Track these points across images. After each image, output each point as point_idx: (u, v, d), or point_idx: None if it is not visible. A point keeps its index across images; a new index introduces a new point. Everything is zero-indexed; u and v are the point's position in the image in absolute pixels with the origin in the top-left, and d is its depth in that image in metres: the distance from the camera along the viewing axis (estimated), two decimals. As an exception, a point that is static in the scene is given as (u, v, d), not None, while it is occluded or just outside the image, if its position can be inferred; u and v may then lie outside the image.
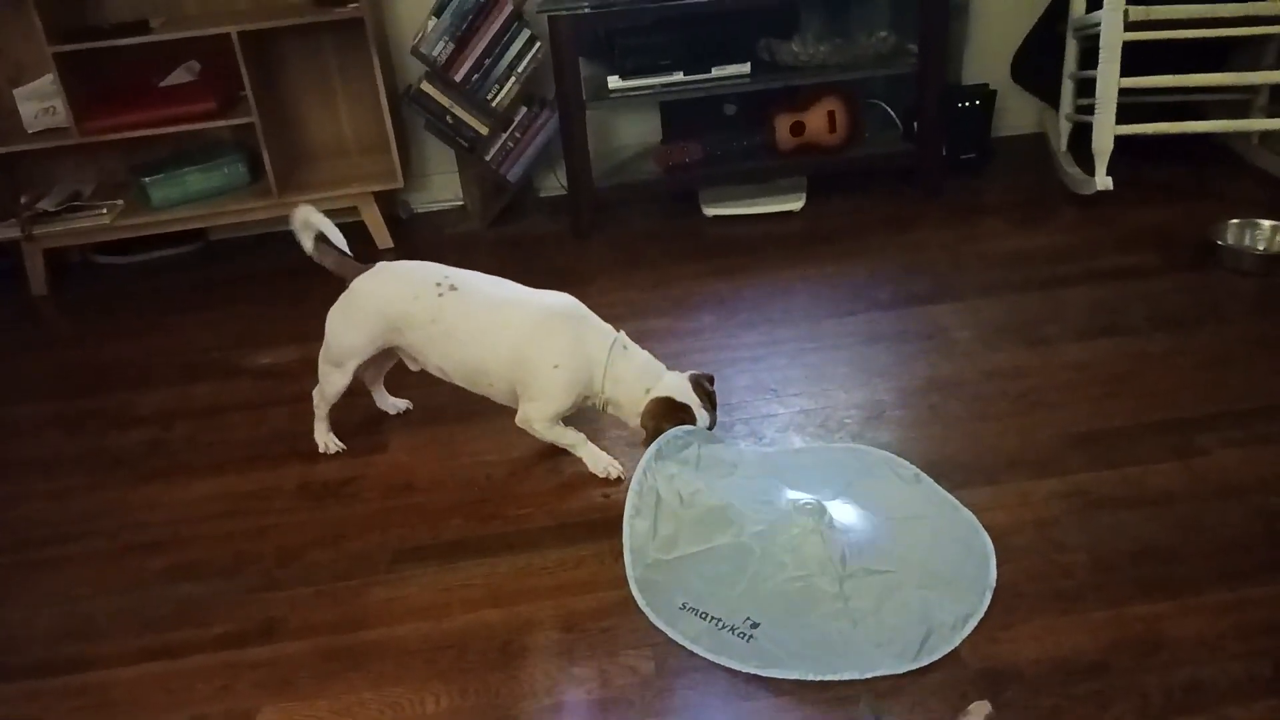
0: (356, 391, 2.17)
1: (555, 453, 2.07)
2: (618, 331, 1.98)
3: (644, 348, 2.00)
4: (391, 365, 2.20)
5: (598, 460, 2.00)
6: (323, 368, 2.08)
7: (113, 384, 2.57)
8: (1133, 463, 1.88)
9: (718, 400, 2.03)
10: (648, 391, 1.93)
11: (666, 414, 1.91)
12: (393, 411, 2.27)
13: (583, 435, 2.01)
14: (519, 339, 1.92)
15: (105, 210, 3.10)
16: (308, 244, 2.06)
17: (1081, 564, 1.66)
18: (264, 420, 2.32)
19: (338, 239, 2.08)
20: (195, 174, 3.13)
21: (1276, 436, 1.91)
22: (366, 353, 2.04)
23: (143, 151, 3.15)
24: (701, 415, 1.95)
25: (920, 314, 2.48)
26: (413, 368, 2.12)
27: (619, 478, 1.97)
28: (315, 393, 2.13)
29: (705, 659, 1.55)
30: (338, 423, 2.18)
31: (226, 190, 3.17)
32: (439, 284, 1.96)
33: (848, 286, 2.65)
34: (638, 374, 1.95)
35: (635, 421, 1.95)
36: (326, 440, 2.16)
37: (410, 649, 1.63)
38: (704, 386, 1.99)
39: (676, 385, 1.95)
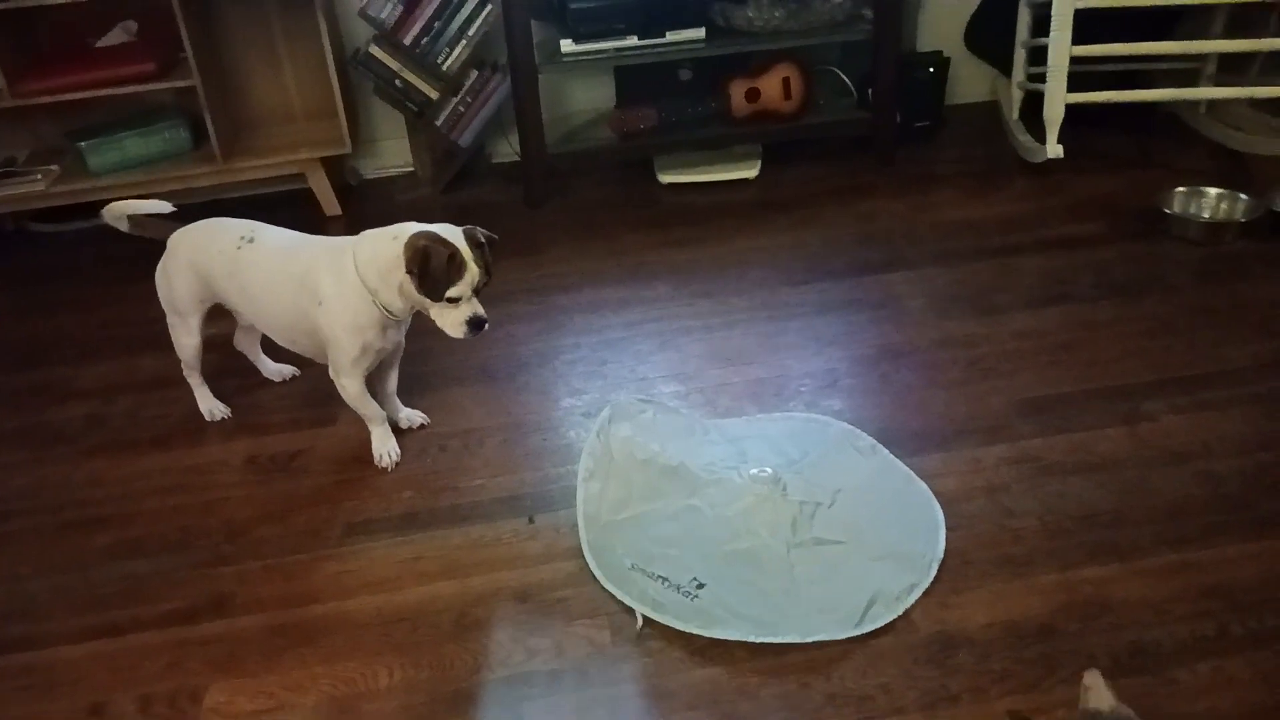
0: (305, 363, 2.13)
1: (508, 424, 2.05)
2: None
3: (598, 317, 1.98)
4: (261, 333, 2.14)
5: (382, 443, 1.97)
6: (171, 330, 2.08)
7: (51, 357, 2.50)
8: (1081, 429, 1.91)
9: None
10: (394, 239, 1.73)
11: (429, 243, 1.68)
12: (277, 378, 2.26)
13: (383, 414, 1.97)
14: (295, 288, 1.85)
15: (40, 176, 3.00)
16: (124, 226, 2.06)
17: (1031, 529, 1.69)
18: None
19: (150, 206, 2.07)
20: (134, 139, 3.03)
21: (1219, 403, 1.95)
22: (193, 306, 2.01)
23: (79, 115, 3.04)
24: (468, 257, 1.70)
25: (873, 282, 2.49)
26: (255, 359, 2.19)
27: (387, 469, 1.96)
28: (183, 365, 2.13)
29: (658, 626, 1.55)
30: (287, 395, 2.13)
31: (168, 156, 3.07)
32: (242, 237, 1.93)
33: (801, 255, 2.65)
34: (376, 234, 1.77)
35: (405, 291, 1.73)
36: (210, 407, 2.16)
37: (362, 623, 1.62)
38: (475, 238, 1.74)
39: (439, 227, 1.72)
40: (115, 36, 3.03)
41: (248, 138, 3.17)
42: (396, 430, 2.04)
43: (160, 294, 2.05)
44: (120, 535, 1.86)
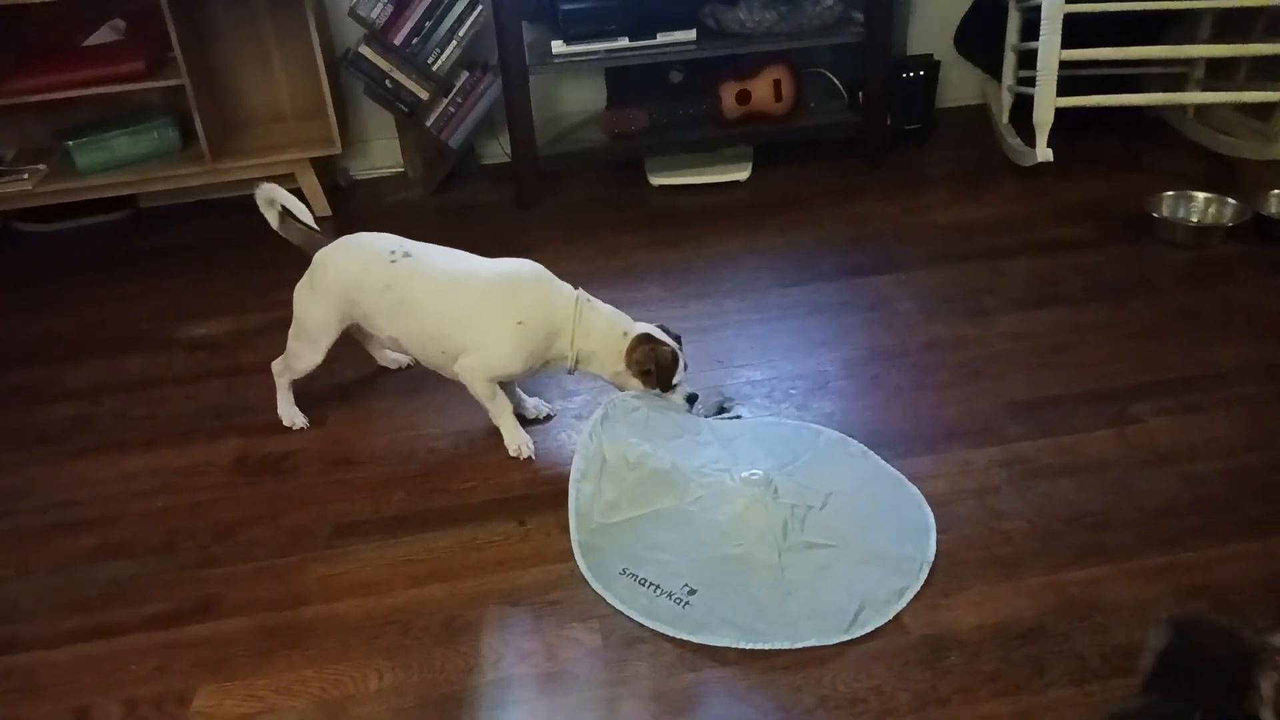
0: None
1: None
2: (578, 289, 1.96)
3: (590, 318, 1.98)
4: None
5: (514, 436, 1.97)
6: (293, 345, 2.03)
7: (37, 357, 2.48)
8: (1070, 431, 1.91)
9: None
10: (625, 334, 1.92)
11: (652, 347, 1.91)
12: (393, 366, 2.26)
13: (510, 406, 1.98)
14: (479, 298, 1.90)
15: (27, 175, 2.98)
16: (273, 220, 2.04)
17: (1020, 531, 1.69)
18: (198, 394, 2.25)
19: (303, 214, 2.06)
20: (123, 138, 3.01)
21: (1206, 405, 1.96)
22: (334, 329, 2.00)
23: (67, 114, 3.03)
24: (679, 353, 1.95)
25: (863, 285, 2.49)
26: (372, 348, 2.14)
27: (529, 457, 1.95)
28: (278, 363, 2.08)
29: (649, 629, 1.55)
30: (268, 395, 2.11)
31: (156, 156, 3.06)
32: (393, 251, 1.94)
33: (793, 257, 2.65)
34: (609, 322, 1.94)
35: (614, 368, 1.94)
36: (292, 415, 2.10)
37: (352, 625, 1.61)
38: (670, 331, 1.98)
39: (651, 328, 1.94)
40: (103, 35, 3.02)
41: (237, 138, 3.16)
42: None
43: (298, 309, 2.00)
44: (106, 537, 1.85)
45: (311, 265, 1.99)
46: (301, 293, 2.00)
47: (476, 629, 1.58)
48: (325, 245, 1.99)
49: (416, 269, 1.93)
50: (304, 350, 2.02)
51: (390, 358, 2.26)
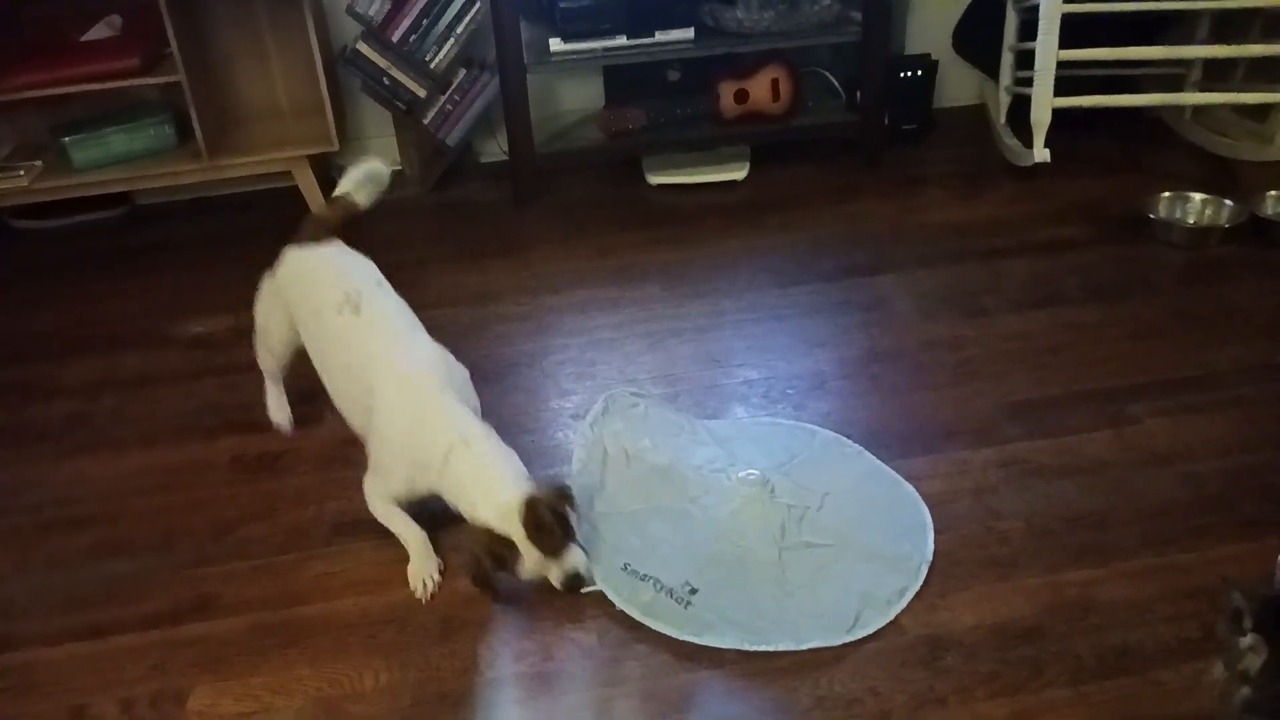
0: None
1: (496, 425, 2.03)
2: (475, 420, 1.68)
3: (586, 318, 1.96)
4: None
5: (418, 566, 1.67)
6: (257, 343, 2.00)
7: (34, 354, 2.47)
8: (1067, 431, 1.92)
9: (574, 507, 1.64)
10: (474, 506, 1.58)
11: (482, 548, 1.55)
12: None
13: (422, 536, 1.69)
14: (374, 394, 1.69)
15: (23, 172, 2.97)
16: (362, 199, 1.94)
17: (1017, 531, 1.69)
18: (195, 392, 2.25)
19: (365, 188, 1.93)
20: (119, 135, 3.00)
21: (1203, 405, 1.96)
22: (280, 339, 1.90)
23: (62, 110, 3.02)
24: (529, 551, 1.53)
25: (861, 285, 2.49)
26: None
27: (430, 596, 1.64)
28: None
29: (645, 628, 1.55)
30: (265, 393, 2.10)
31: (153, 152, 3.04)
32: (348, 294, 1.76)
33: (790, 257, 2.65)
34: (474, 481, 1.59)
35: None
36: (279, 415, 2.06)
37: (349, 624, 1.61)
38: (538, 514, 1.53)
39: (501, 509, 1.55)
40: (100, 31, 3.00)
41: (234, 135, 3.15)
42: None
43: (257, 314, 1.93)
44: (103, 535, 1.84)
45: (279, 260, 1.89)
46: (260, 290, 1.92)
47: (473, 628, 1.58)
48: (298, 241, 1.87)
49: (352, 332, 1.75)
50: (261, 353, 1.97)
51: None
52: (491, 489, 1.57)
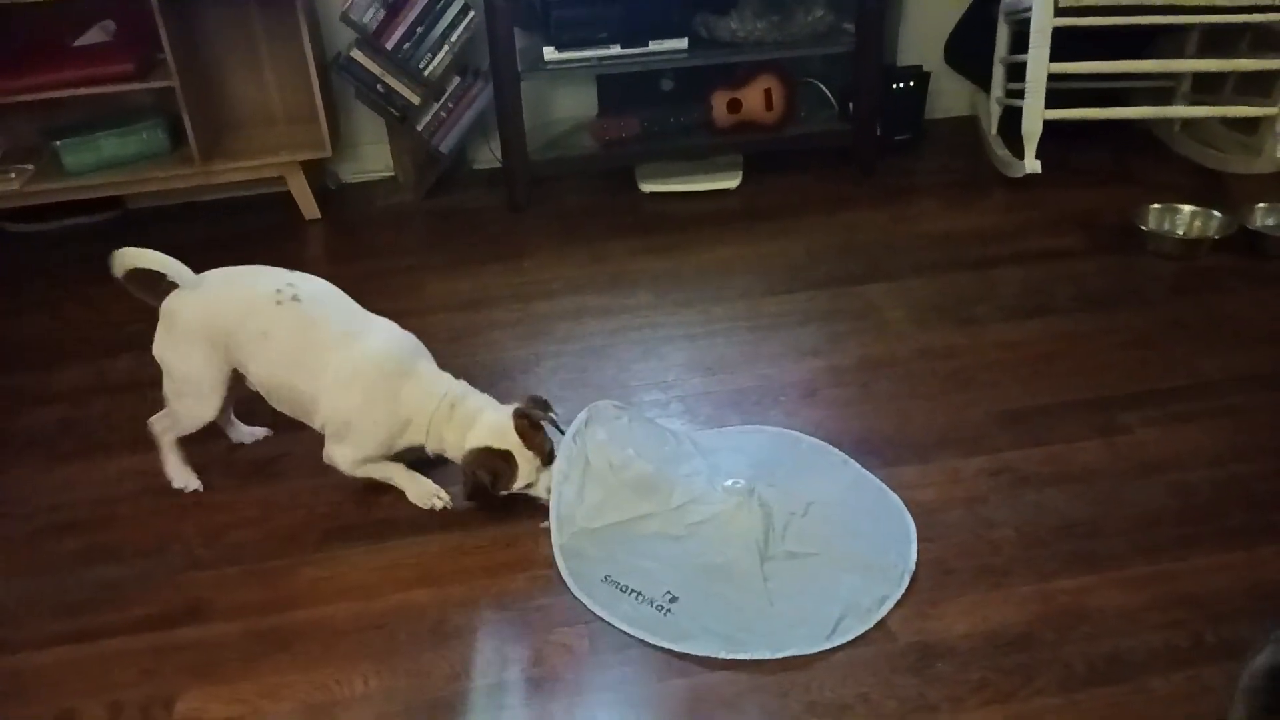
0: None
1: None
2: (453, 381, 1.81)
3: (579, 325, 1.97)
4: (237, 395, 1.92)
5: (419, 489, 1.82)
6: (175, 404, 1.85)
7: (24, 359, 2.46)
8: (1058, 440, 1.92)
9: (553, 409, 1.82)
10: (468, 440, 1.74)
11: (480, 464, 1.71)
12: (249, 440, 2.05)
13: (399, 465, 1.82)
14: (338, 376, 1.74)
15: (14, 175, 2.96)
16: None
17: (1009, 540, 1.70)
18: (186, 396, 2.24)
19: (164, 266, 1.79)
20: (111, 139, 3.00)
21: (1193, 414, 1.97)
22: (213, 375, 1.81)
23: (55, 114, 3.01)
24: (525, 457, 1.74)
25: (853, 293, 2.50)
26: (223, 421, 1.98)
27: (445, 507, 1.81)
28: (161, 419, 1.90)
29: (635, 636, 1.55)
30: (263, 399, 2.09)
31: (145, 157, 3.04)
32: (279, 290, 1.76)
33: (783, 265, 2.66)
34: (467, 423, 1.75)
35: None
36: (185, 477, 1.92)
37: (340, 629, 1.60)
38: (530, 419, 1.75)
39: (495, 428, 1.73)
40: (93, 36, 3.00)
41: (227, 140, 3.15)
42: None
43: (163, 364, 1.82)
44: (93, 540, 1.83)
45: (161, 315, 1.81)
46: (161, 347, 1.82)
47: (464, 634, 1.58)
48: (170, 289, 1.80)
49: (299, 319, 1.76)
50: (190, 406, 1.84)
51: (246, 433, 2.05)
52: (482, 419, 1.75)
